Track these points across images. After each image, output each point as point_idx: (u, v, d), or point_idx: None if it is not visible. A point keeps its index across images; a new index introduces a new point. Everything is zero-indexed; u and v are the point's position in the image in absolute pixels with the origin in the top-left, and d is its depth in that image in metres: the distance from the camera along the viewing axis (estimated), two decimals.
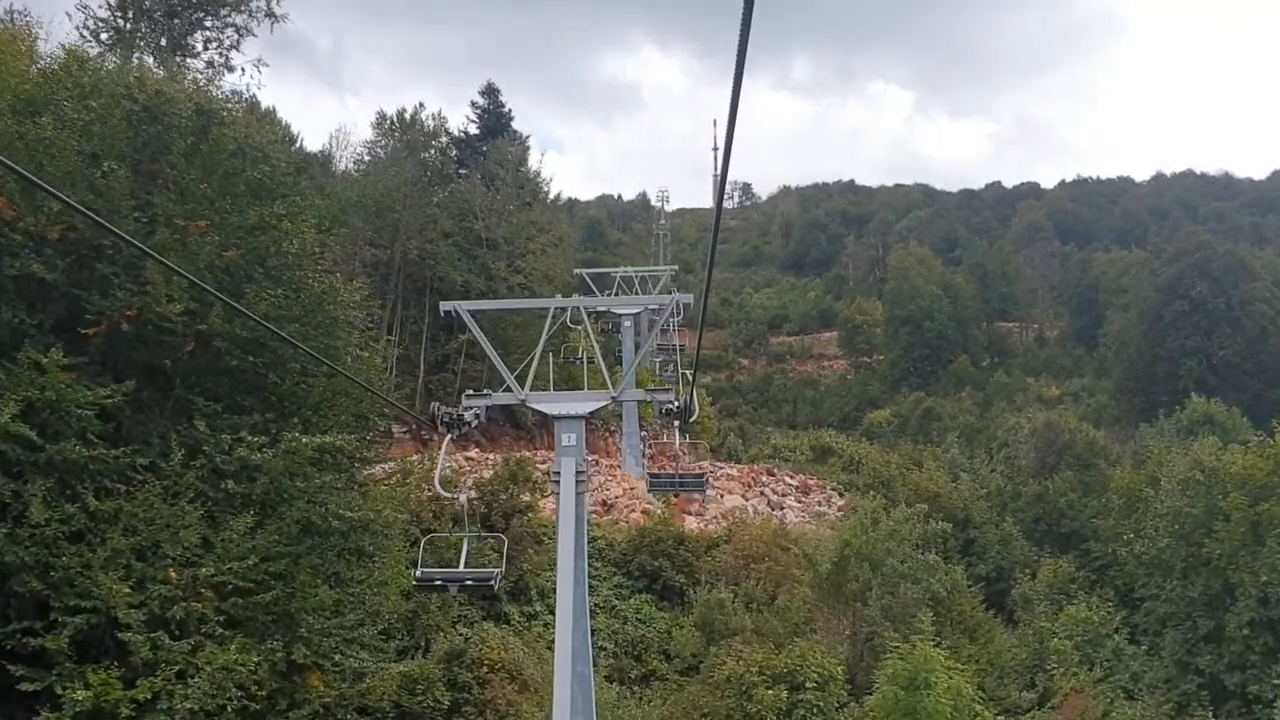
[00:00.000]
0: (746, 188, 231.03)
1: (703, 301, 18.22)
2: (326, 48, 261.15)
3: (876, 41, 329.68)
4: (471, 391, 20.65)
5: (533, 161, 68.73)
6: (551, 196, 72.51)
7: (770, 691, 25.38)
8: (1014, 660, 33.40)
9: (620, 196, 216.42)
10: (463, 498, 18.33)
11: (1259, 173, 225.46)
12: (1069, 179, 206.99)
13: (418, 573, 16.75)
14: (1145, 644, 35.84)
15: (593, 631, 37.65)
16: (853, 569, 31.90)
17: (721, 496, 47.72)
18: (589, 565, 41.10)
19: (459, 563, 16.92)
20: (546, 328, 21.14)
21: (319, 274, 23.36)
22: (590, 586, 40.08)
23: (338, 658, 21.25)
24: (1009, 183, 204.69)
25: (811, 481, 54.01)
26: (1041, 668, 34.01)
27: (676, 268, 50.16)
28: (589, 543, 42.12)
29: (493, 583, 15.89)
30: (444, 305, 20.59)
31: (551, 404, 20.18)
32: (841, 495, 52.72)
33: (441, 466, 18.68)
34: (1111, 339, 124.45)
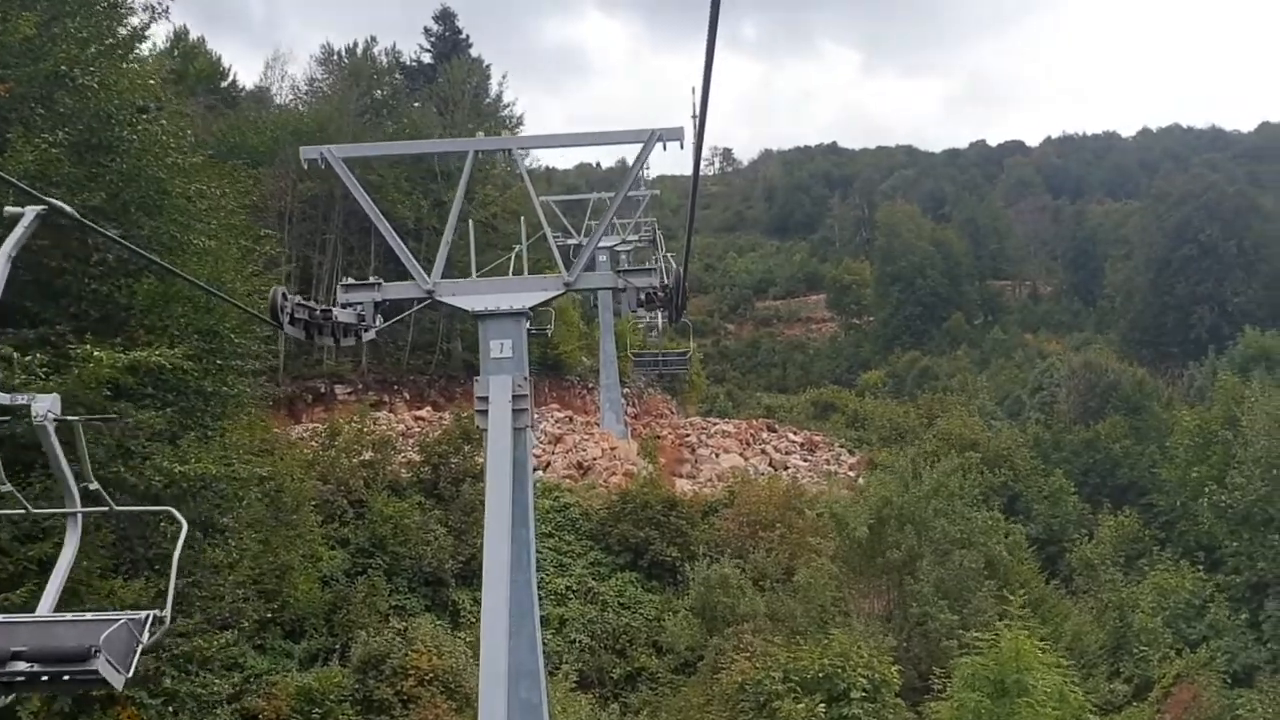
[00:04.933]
0: (727, 153, 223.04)
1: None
2: (260, 14, 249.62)
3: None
4: (351, 281, 13.72)
5: (494, 89, 61.44)
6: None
7: (801, 705, 18.45)
8: (1094, 642, 26.61)
9: (599, 165, 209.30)
10: (39, 406, 6.18)
11: (1246, 125, 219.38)
12: (1055, 135, 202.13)
13: None
14: (1244, 614, 29.14)
15: (563, 621, 30.78)
16: (892, 534, 25.01)
17: (717, 455, 40.79)
18: (559, 539, 34.18)
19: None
20: (465, 174, 14.01)
21: (143, 123, 16.01)
22: (561, 565, 33.18)
23: (168, 682, 14.12)
24: (993, 141, 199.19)
25: (818, 438, 47.15)
26: (1126, 650, 27.28)
27: (658, 191, 43.12)
28: (559, 512, 34.99)
29: (96, 666, 5.45)
30: (306, 151, 13.58)
31: (473, 296, 13.37)
32: (851, 453, 45.97)
33: None
34: (1114, 289, 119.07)
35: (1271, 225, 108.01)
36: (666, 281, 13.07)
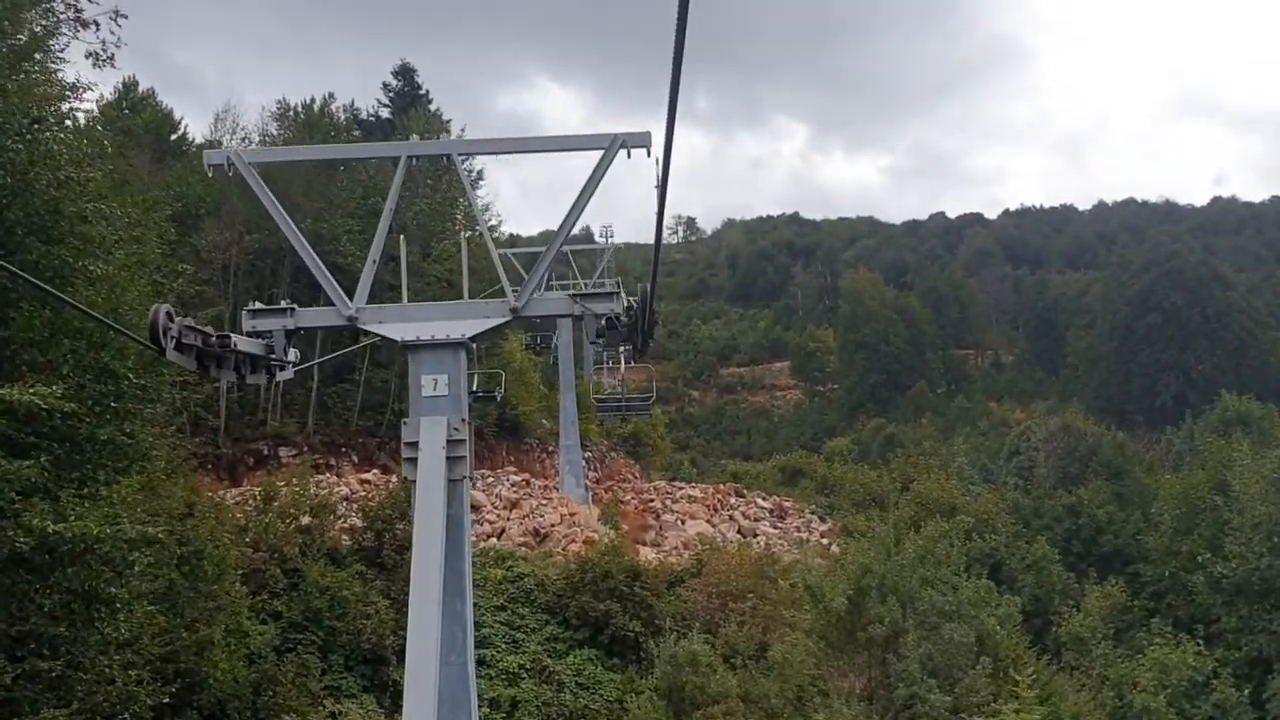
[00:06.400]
0: (691, 221, 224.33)
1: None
2: (213, 80, 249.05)
3: (776, 74, 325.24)
4: (259, 306, 11.66)
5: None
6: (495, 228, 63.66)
7: None
8: None
9: None
10: None
11: (1199, 199, 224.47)
12: (1013, 208, 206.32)
13: None
14: (1247, 690, 27.28)
15: (515, 704, 28.17)
16: (873, 606, 22.94)
17: (683, 522, 38.63)
18: (512, 612, 31.66)
19: None
20: (396, 184, 12.10)
21: (33, 133, 13.97)
22: (513, 641, 30.62)
23: None
24: (952, 213, 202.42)
25: (787, 504, 45.20)
26: None
27: (620, 244, 42.01)
28: (513, 582, 32.56)
29: None
30: (210, 155, 11.58)
31: (402, 324, 11.34)
32: (823, 519, 44.03)
33: None
34: (1078, 357, 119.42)
35: (1233, 294, 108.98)
36: (631, 305, 11.16)
